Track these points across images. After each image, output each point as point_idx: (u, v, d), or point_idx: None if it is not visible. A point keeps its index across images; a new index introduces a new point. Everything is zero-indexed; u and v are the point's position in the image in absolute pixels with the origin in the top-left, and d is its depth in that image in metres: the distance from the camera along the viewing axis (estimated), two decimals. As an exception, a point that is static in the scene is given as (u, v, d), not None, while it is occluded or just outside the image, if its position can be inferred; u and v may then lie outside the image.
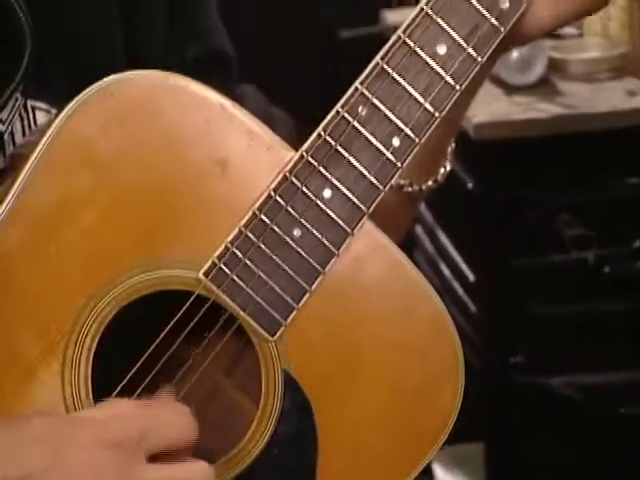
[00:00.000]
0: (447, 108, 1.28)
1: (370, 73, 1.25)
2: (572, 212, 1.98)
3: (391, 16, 2.23)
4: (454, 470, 2.18)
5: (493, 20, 1.26)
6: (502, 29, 1.26)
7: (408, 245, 1.25)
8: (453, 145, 1.32)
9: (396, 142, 1.24)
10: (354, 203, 1.24)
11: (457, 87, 1.26)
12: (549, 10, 1.25)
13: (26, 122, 1.27)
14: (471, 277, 2.03)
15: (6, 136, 1.26)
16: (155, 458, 1.14)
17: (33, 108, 1.27)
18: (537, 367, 2.03)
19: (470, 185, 1.94)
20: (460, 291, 2.06)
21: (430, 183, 1.32)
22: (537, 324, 2.03)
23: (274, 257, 1.22)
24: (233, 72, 1.40)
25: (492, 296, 2.00)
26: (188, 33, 1.37)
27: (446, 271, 2.14)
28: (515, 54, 1.94)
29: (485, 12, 1.27)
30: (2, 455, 1.15)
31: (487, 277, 2.03)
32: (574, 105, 2.01)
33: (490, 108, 1.99)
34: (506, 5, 1.26)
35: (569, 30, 2.16)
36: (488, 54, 1.27)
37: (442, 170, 1.33)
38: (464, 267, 2.05)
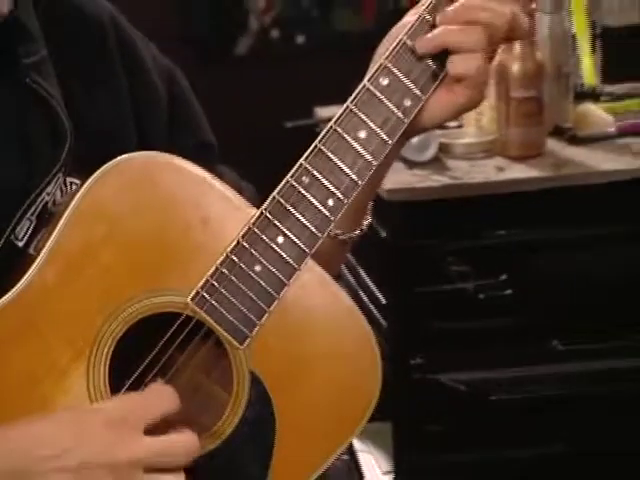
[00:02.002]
0: (367, 178, 1.27)
1: (311, 152, 1.25)
2: (457, 254, 1.98)
3: (321, 111, 2.19)
4: (367, 443, 2.16)
5: (399, 114, 1.25)
6: (406, 120, 1.25)
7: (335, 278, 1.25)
8: (372, 203, 1.33)
9: (330, 202, 1.23)
10: (300, 247, 1.24)
11: (374, 162, 1.26)
12: (441, 109, 1.24)
13: (64, 193, 1.25)
14: (383, 300, 2.02)
15: (49, 204, 1.24)
16: (153, 431, 1.14)
17: (70, 183, 1.25)
18: (431, 367, 2.01)
19: (383, 234, 1.93)
20: (375, 311, 2.05)
21: (357, 232, 1.32)
22: (432, 335, 2.01)
23: (242, 286, 1.20)
24: (215, 155, 1.39)
25: (399, 315, 1.99)
26: (183, 127, 1.36)
27: (364, 296, 2.13)
28: (415, 139, 1.94)
29: (394, 108, 1.26)
30: (41, 437, 1.13)
31: (395, 300, 2.01)
32: (458, 177, 1.99)
33: (397, 178, 1.98)
34: (409, 103, 1.24)
35: (453, 122, 2.16)
36: (396, 138, 1.26)
37: (365, 222, 1.33)
38: (378, 293, 2.04)
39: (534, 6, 2.04)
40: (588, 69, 2.17)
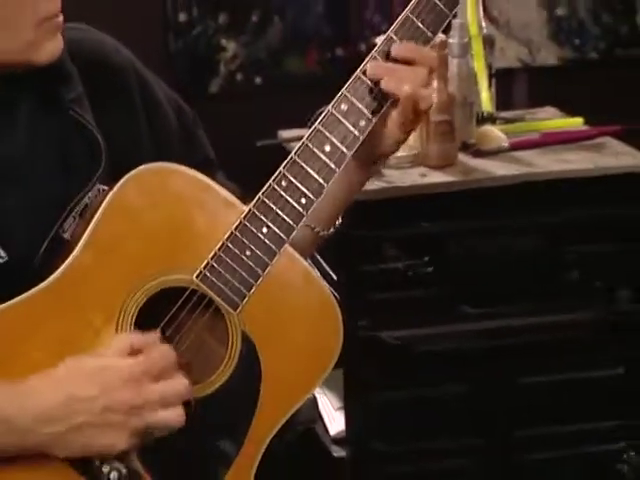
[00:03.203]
0: (331, 182, 1.26)
1: (288, 162, 1.24)
2: (391, 241, 1.98)
3: (284, 133, 2.16)
4: (323, 386, 2.09)
5: (356, 132, 1.25)
6: (361, 137, 1.26)
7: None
8: (343, 212, 1.32)
9: (303, 201, 1.23)
10: (280, 236, 1.23)
11: (337, 170, 1.26)
12: (393, 140, 1.23)
13: (97, 196, 1.23)
14: (335, 277, 2.02)
15: (88, 205, 1.22)
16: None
17: (102, 190, 1.23)
18: (373, 327, 2.00)
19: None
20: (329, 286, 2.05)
21: (332, 229, 1.31)
22: (373, 303, 2.01)
23: (235, 266, 1.19)
24: (214, 165, 1.37)
25: (348, 288, 1.98)
26: (190, 146, 1.34)
27: (320, 275, 2.13)
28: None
29: (351, 127, 1.26)
30: (74, 382, 1.13)
31: (345, 277, 2.01)
32: (391, 182, 1.98)
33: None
34: (362, 123, 1.24)
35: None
36: (353, 151, 1.26)
37: (337, 223, 1.32)
38: (331, 272, 2.03)
39: (446, 52, 2.05)
40: (486, 100, 2.18)
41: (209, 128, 1.36)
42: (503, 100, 2.28)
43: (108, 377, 1.13)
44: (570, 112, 2.23)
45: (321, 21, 2.35)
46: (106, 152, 1.22)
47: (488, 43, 2.18)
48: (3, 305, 1.15)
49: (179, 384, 1.15)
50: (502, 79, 2.34)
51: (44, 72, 1.21)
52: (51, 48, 1.19)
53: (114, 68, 1.28)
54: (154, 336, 1.16)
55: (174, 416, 1.14)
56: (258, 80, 2.37)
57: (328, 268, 2.02)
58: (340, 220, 1.31)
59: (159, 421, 1.14)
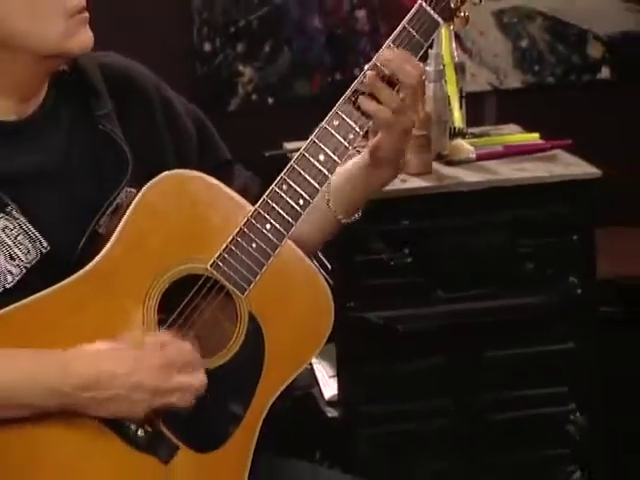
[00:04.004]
0: (325, 185, 1.25)
1: (288, 169, 1.22)
2: (377, 236, 1.97)
3: (288, 145, 2.14)
4: (318, 357, 2.10)
5: (345, 143, 1.24)
6: (350, 148, 1.25)
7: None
8: (361, 208, 1.29)
9: (300, 202, 1.23)
10: (281, 231, 1.21)
11: (329, 175, 1.24)
12: (388, 174, 1.26)
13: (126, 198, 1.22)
14: (329, 266, 1.98)
15: (119, 205, 1.21)
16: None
17: (130, 192, 1.22)
18: (360, 308, 1.99)
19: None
20: (324, 273, 2.03)
21: (353, 218, 1.29)
22: (361, 288, 1.99)
23: (243, 257, 1.17)
24: (232, 165, 1.33)
25: (340, 274, 1.95)
26: (208, 152, 1.31)
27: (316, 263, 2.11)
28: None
29: (342, 139, 1.24)
30: (114, 361, 1.13)
31: (338, 266, 1.98)
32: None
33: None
34: (351, 136, 1.24)
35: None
36: (344, 160, 1.24)
37: (358, 214, 1.30)
38: (326, 261, 1.99)
39: (424, 77, 2.03)
40: (457, 118, 2.16)
41: (227, 140, 1.35)
42: (475, 118, 2.28)
43: (142, 364, 1.13)
44: (530, 128, 2.22)
45: (323, 51, 2.36)
46: (132, 161, 1.21)
47: (460, 70, 2.17)
48: (49, 289, 1.15)
49: (197, 379, 1.15)
50: (474, 100, 2.35)
51: (80, 89, 1.20)
52: (83, 38, 1.16)
53: (139, 88, 1.27)
54: (181, 335, 1.16)
55: (187, 402, 1.15)
56: (270, 100, 2.38)
57: (324, 259, 2.01)
58: (360, 213, 1.29)
59: (174, 404, 1.15)
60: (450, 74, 2.13)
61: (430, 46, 2.02)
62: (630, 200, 2.04)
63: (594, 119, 2.43)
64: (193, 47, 2.33)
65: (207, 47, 2.34)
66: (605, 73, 2.48)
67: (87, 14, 1.17)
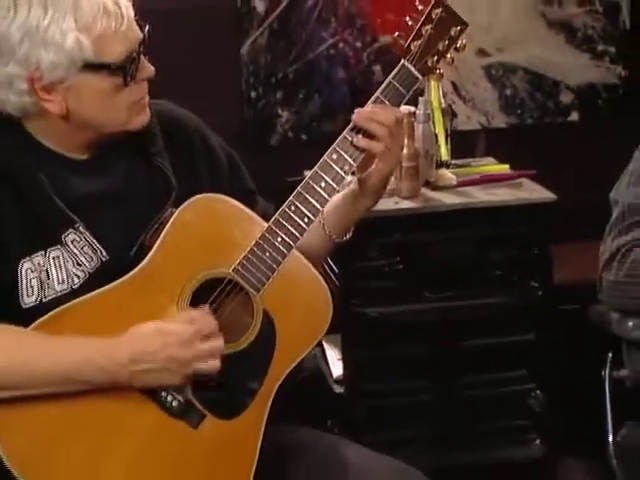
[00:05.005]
0: (325, 206, 1.23)
1: (295, 194, 1.21)
2: (375, 246, 1.96)
3: (307, 172, 2.16)
4: (329, 343, 2.08)
5: (342, 173, 1.22)
6: (346, 176, 1.23)
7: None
8: (353, 228, 1.28)
9: (305, 220, 1.20)
10: (289, 243, 1.19)
11: (329, 198, 1.23)
12: (370, 202, 1.24)
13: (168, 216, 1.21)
14: (337, 270, 1.97)
15: (162, 221, 1.21)
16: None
17: (172, 210, 1.22)
18: (362, 305, 1.98)
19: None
20: (332, 276, 2.03)
21: (344, 238, 1.28)
22: (362, 288, 1.99)
23: (259, 264, 1.16)
24: (254, 194, 1.31)
25: (345, 277, 1.96)
26: (235, 182, 1.34)
27: (327, 267, 2.11)
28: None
29: (339, 170, 1.23)
30: (147, 341, 1.14)
31: (344, 270, 1.98)
32: (375, 207, 1.95)
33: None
34: (347, 167, 1.22)
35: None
36: (341, 186, 1.23)
37: (349, 234, 1.29)
38: (334, 266, 1.98)
39: (413, 119, 2.03)
40: (444, 152, 2.15)
41: (268, 168, 1.34)
42: (467, 150, 2.27)
43: (171, 338, 1.13)
44: (504, 160, 2.20)
45: (345, 97, 2.38)
46: (177, 187, 1.22)
47: (447, 113, 2.17)
48: (104, 287, 1.16)
49: (218, 344, 1.16)
50: (468, 137, 2.36)
51: (139, 132, 1.22)
52: (140, 120, 1.20)
53: (185, 130, 1.29)
54: (205, 309, 1.17)
55: (212, 366, 1.16)
56: (304, 137, 2.38)
57: (332, 264, 2.01)
58: (351, 233, 1.30)
59: (202, 369, 1.15)
60: (438, 116, 2.13)
61: (421, 94, 2.07)
62: (580, 220, 2.02)
63: (558, 153, 2.42)
64: (242, 94, 2.36)
65: (253, 94, 2.36)
66: (574, 116, 2.49)
67: (147, 99, 1.20)
